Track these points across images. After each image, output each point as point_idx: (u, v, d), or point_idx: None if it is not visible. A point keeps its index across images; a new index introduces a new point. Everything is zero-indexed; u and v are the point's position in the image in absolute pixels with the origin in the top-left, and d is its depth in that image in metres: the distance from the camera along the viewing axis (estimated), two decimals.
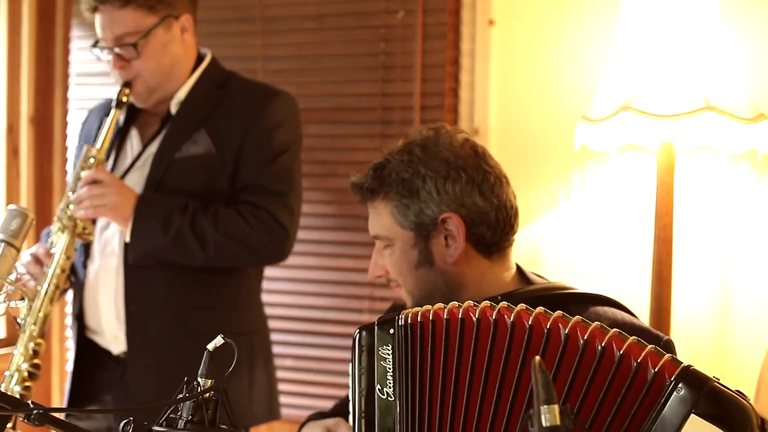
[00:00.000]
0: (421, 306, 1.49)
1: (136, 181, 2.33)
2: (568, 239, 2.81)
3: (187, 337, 2.30)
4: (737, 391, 1.28)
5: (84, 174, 2.28)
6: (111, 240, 2.34)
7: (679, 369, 1.25)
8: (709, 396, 1.24)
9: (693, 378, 1.25)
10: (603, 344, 1.29)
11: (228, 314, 2.40)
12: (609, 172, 2.76)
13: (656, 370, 1.26)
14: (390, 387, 1.43)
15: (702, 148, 2.61)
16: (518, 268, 1.73)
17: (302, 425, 1.78)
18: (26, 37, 3.31)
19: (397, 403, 1.42)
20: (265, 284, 3.10)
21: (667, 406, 1.24)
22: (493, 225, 1.64)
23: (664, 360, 1.27)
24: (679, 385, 1.24)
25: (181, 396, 1.13)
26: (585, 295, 1.65)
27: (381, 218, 1.68)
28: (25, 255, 2.26)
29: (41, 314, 2.22)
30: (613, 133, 2.49)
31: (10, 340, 3.26)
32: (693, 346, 2.64)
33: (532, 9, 2.84)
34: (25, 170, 3.31)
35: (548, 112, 2.82)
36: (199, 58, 2.43)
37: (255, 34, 3.13)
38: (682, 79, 2.38)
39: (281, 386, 2.66)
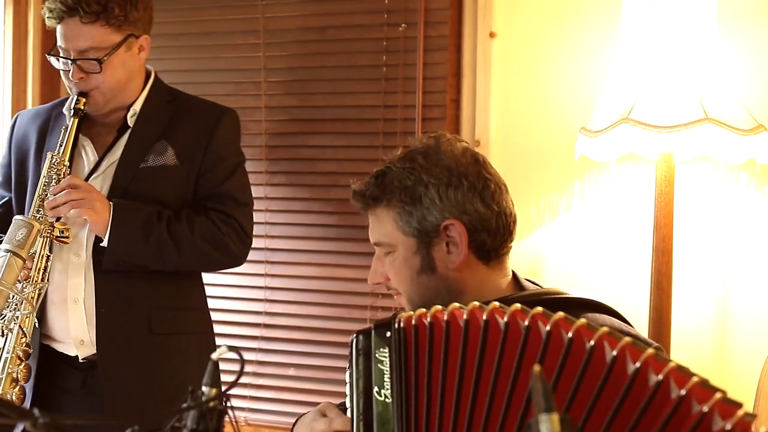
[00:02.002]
0: None
1: (99, 189, 2.39)
2: (569, 249, 2.82)
3: (152, 337, 2.40)
4: None
5: (53, 181, 2.33)
6: (75, 244, 2.38)
7: (714, 399, 1.19)
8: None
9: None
10: (615, 353, 1.26)
11: (185, 314, 2.50)
12: (609, 182, 2.77)
13: (684, 392, 1.20)
14: (387, 389, 1.44)
15: (701, 158, 2.62)
16: (513, 274, 1.74)
17: (294, 423, 1.77)
18: (32, 49, 3.34)
19: (395, 404, 1.43)
20: (267, 293, 3.13)
21: None
22: (493, 232, 1.66)
23: (692, 383, 1.21)
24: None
25: (185, 405, 1.15)
26: (578, 301, 1.66)
27: (383, 225, 1.69)
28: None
29: (27, 317, 2.28)
30: (613, 144, 2.51)
31: None
32: (693, 356, 2.65)
33: (532, 22, 2.86)
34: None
35: (548, 124, 2.84)
36: (147, 74, 2.51)
37: (258, 46, 3.15)
38: (681, 90, 2.40)
39: (283, 395, 2.68)
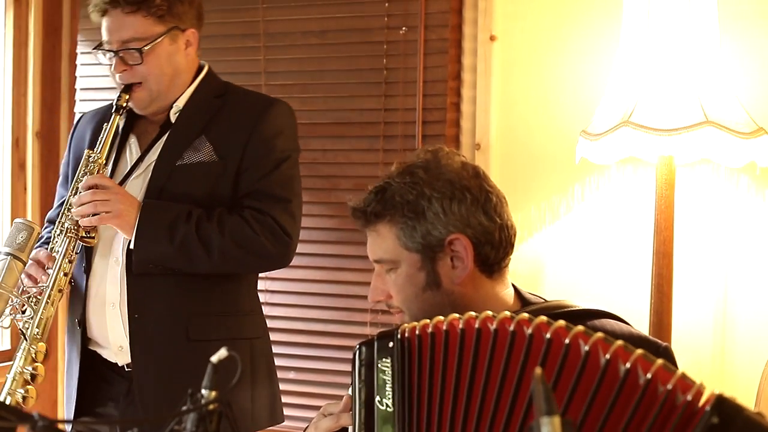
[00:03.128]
0: None
1: (137, 188, 2.34)
2: (569, 252, 2.82)
3: (189, 344, 2.31)
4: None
5: (86, 178, 2.28)
6: (113, 247, 2.33)
7: (714, 398, 1.21)
8: (745, 428, 1.21)
9: (728, 408, 1.21)
10: (627, 365, 1.25)
11: (229, 320, 2.40)
12: (609, 185, 2.78)
13: (689, 397, 1.22)
14: (389, 398, 1.44)
15: (701, 161, 2.63)
16: (514, 287, 1.74)
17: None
18: (33, 52, 3.34)
19: (396, 413, 1.43)
20: (268, 297, 3.13)
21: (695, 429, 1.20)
22: (496, 245, 1.64)
23: (696, 388, 1.23)
24: (713, 417, 1.20)
25: (184, 408, 1.15)
26: (582, 311, 1.65)
27: (384, 241, 1.66)
28: (29, 311, 2.25)
29: (43, 317, 2.24)
30: (614, 147, 2.51)
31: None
32: (693, 359, 2.65)
33: (533, 25, 2.87)
34: (31, 184, 3.33)
35: (549, 127, 2.84)
36: (198, 70, 2.45)
37: (258, 49, 3.15)
38: (682, 93, 2.40)
39: (284, 398, 2.67)
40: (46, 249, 2.29)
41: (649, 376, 1.24)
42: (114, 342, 2.34)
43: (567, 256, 2.82)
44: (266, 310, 2.69)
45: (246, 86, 3.10)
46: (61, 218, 2.30)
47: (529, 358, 1.34)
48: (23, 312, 2.27)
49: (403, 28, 2.98)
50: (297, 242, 2.39)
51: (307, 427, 1.69)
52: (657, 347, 1.60)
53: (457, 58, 2.94)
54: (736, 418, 1.20)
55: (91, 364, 2.38)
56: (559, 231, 2.83)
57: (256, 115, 2.36)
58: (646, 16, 2.46)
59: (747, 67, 2.62)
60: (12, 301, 2.24)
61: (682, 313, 2.62)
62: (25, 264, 2.26)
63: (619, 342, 1.29)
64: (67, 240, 2.26)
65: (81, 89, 3.37)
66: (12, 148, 3.32)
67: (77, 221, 2.26)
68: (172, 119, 2.37)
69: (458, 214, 1.62)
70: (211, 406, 1.13)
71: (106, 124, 2.34)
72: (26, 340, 2.23)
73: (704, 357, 2.67)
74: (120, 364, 2.36)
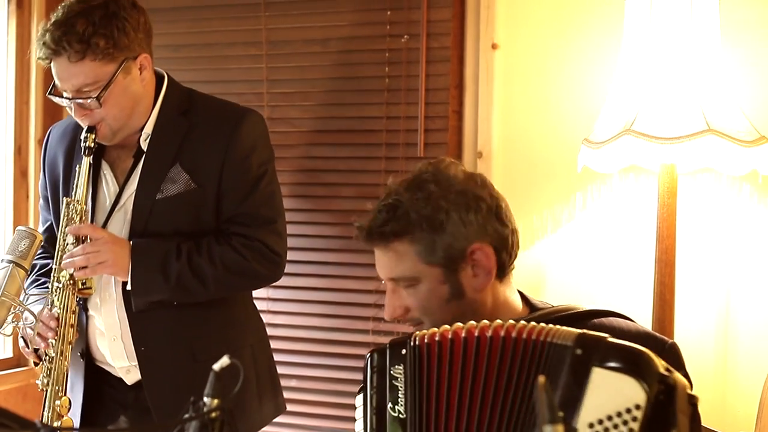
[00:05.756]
0: None
1: (120, 224, 2.34)
2: (571, 261, 2.82)
3: (197, 365, 2.32)
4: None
5: (71, 228, 2.28)
6: (110, 289, 2.35)
7: (576, 335, 1.38)
8: (607, 351, 1.34)
9: (589, 339, 1.37)
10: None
11: (231, 333, 2.43)
12: (611, 194, 2.78)
13: (561, 341, 1.39)
14: (402, 405, 1.46)
15: (703, 170, 2.63)
16: (520, 293, 1.75)
17: None
18: (35, 59, 3.34)
19: (409, 420, 1.45)
20: (270, 305, 3.13)
21: (570, 368, 1.35)
22: (510, 249, 1.66)
23: (566, 333, 1.40)
24: (577, 349, 1.36)
25: (186, 416, 1.15)
26: (587, 312, 1.67)
27: (402, 260, 1.64)
28: (30, 317, 2.27)
29: (61, 373, 2.26)
30: (615, 156, 2.51)
31: (18, 361, 3.28)
32: (695, 368, 2.64)
33: (535, 33, 2.87)
34: (33, 192, 3.33)
35: (551, 135, 2.84)
36: (158, 79, 2.39)
37: (260, 57, 3.16)
38: (684, 102, 2.40)
39: (286, 406, 2.68)
40: (47, 307, 2.29)
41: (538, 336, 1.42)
42: (120, 367, 2.38)
43: (569, 265, 2.82)
44: (268, 318, 2.70)
45: (248, 94, 3.14)
46: (54, 272, 2.29)
47: (525, 362, 1.41)
48: (26, 319, 2.27)
49: (405, 37, 2.98)
50: (286, 256, 2.41)
51: None
52: (663, 343, 1.61)
53: (459, 67, 2.94)
54: (597, 346, 1.36)
55: (94, 372, 2.40)
56: (561, 239, 2.82)
57: (227, 133, 2.32)
58: (647, 24, 2.46)
59: (749, 75, 2.62)
60: (15, 308, 2.24)
61: (684, 322, 2.61)
62: (27, 271, 2.26)
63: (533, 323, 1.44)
64: (66, 294, 2.27)
65: None
66: (14, 156, 3.33)
67: (71, 274, 2.26)
68: (143, 146, 2.34)
69: (476, 224, 1.62)
70: (213, 414, 1.13)
71: (78, 165, 2.30)
72: (48, 398, 2.26)
73: (706, 365, 2.67)
74: (128, 382, 2.39)
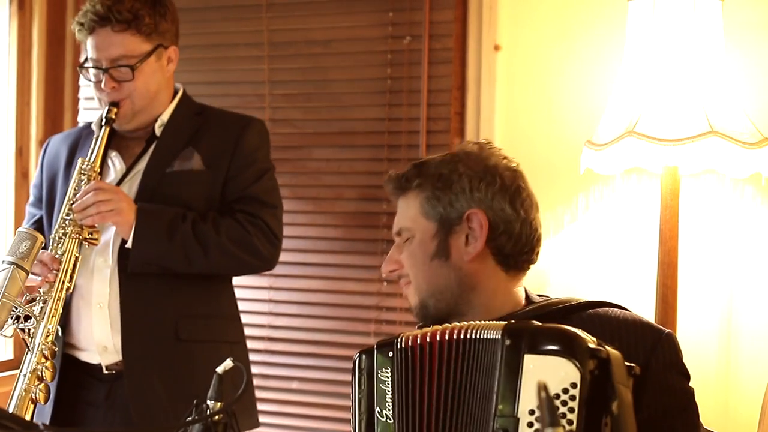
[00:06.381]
0: (426, 305, 1.60)
1: (126, 192, 2.38)
2: (573, 263, 2.81)
3: (179, 344, 2.37)
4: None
5: (83, 184, 2.33)
6: (105, 249, 2.37)
7: (503, 327, 1.40)
8: (535, 337, 1.37)
9: (515, 329, 1.40)
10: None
11: (215, 322, 2.47)
12: (614, 195, 2.77)
13: (493, 335, 1.41)
14: (389, 410, 1.45)
15: (706, 172, 2.62)
16: (525, 290, 1.74)
17: None
18: (36, 61, 3.34)
19: (397, 425, 1.44)
20: (272, 306, 3.13)
21: (504, 360, 1.38)
22: (515, 236, 1.65)
23: (497, 326, 1.42)
24: (506, 340, 1.38)
25: (189, 419, 1.14)
26: (583, 304, 1.67)
27: (408, 209, 1.69)
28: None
29: (53, 313, 2.25)
30: (618, 157, 2.51)
31: (18, 362, 3.27)
32: (697, 371, 2.63)
33: (537, 35, 2.87)
34: None
35: (553, 137, 2.84)
36: (174, 91, 2.52)
37: (262, 58, 3.15)
38: (687, 103, 2.40)
39: (287, 409, 2.68)
40: (48, 251, 2.31)
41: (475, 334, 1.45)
42: (99, 342, 2.37)
43: (571, 267, 2.81)
44: (269, 320, 2.69)
45: (250, 95, 3.14)
46: (60, 222, 2.33)
47: (464, 362, 1.45)
48: (28, 318, 2.27)
49: (408, 38, 2.98)
50: (281, 246, 2.48)
51: None
52: (660, 333, 1.60)
53: (462, 68, 2.94)
54: (524, 333, 1.38)
55: (66, 369, 2.39)
56: (564, 241, 2.82)
57: (238, 130, 2.46)
58: (650, 25, 2.46)
59: (752, 77, 2.62)
60: (15, 310, 2.24)
61: (687, 324, 2.61)
62: (27, 273, 2.26)
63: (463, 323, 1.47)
64: (71, 241, 2.30)
65: (84, 98, 3.37)
66: (15, 157, 3.32)
67: (79, 224, 2.30)
68: (157, 132, 2.44)
69: (483, 194, 1.64)
70: (216, 417, 1.13)
71: (96, 132, 2.39)
72: (32, 354, 2.23)
73: (709, 367, 2.66)
74: (104, 365, 2.38)
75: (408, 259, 1.68)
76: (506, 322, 1.42)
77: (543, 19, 2.86)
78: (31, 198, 2.58)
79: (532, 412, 1.33)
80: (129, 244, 2.32)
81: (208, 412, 1.12)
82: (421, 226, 1.67)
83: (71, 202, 2.32)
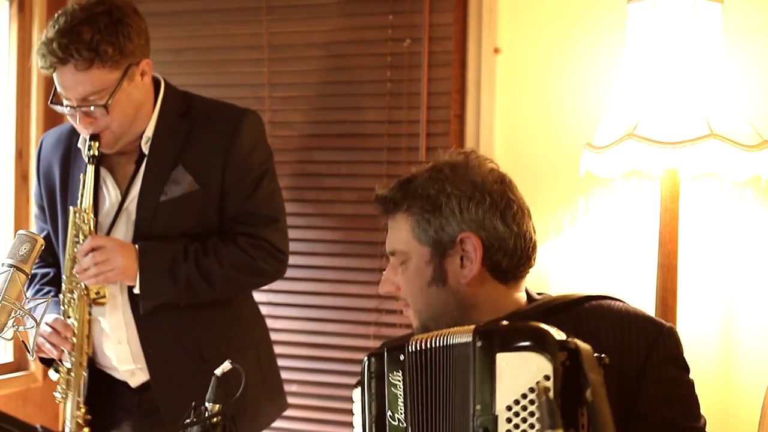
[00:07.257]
0: (428, 327, 1.57)
1: (124, 228, 2.34)
2: (573, 265, 2.81)
3: (204, 363, 2.30)
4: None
5: (80, 236, 2.30)
6: (115, 293, 2.36)
7: (473, 329, 1.42)
8: (505, 335, 1.39)
9: (484, 330, 1.42)
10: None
11: (236, 331, 2.45)
12: (614, 198, 2.77)
13: (458, 341, 1.44)
14: (401, 413, 1.45)
15: (706, 174, 2.62)
16: (526, 290, 1.74)
17: None
18: (36, 63, 3.34)
19: (410, 429, 1.44)
20: (271, 309, 3.12)
21: (477, 361, 1.39)
22: (510, 252, 1.64)
23: (467, 329, 1.44)
24: (477, 342, 1.40)
25: (188, 421, 1.14)
26: (582, 298, 1.67)
27: (400, 232, 1.67)
28: (44, 327, 2.27)
29: (79, 384, 2.29)
30: (618, 160, 2.51)
31: (18, 365, 3.28)
32: (697, 373, 2.62)
33: (537, 37, 2.87)
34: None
35: (553, 139, 2.84)
36: (155, 84, 2.38)
37: (262, 61, 3.15)
38: (686, 106, 2.40)
39: (286, 411, 2.67)
40: (58, 316, 2.31)
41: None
42: (124, 370, 2.39)
43: (571, 270, 2.81)
44: (269, 323, 2.69)
45: (249, 98, 3.14)
46: (67, 284, 2.32)
47: (441, 368, 1.46)
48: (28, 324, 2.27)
49: (407, 41, 2.98)
50: (288, 253, 2.45)
51: None
52: (661, 326, 1.61)
53: (461, 71, 2.94)
54: (494, 333, 1.40)
55: (99, 380, 2.41)
56: (563, 244, 2.82)
57: (227, 134, 2.34)
58: (650, 28, 2.46)
59: (752, 80, 2.62)
60: (15, 312, 2.24)
61: (687, 327, 2.61)
62: (27, 275, 2.26)
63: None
64: (81, 304, 2.30)
65: None
66: (15, 160, 3.32)
67: (84, 286, 2.29)
68: (144, 150, 2.34)
69: (474, 215, 1.63)
70: (214, 419, 1.13)
71: (82, 174, 2.30)
72: (69, 408, 2.29)
73: (709, 370, 2.66)
74: (132, 385, 2.40)
75: (406, 286, 1.68)
76: (475, 325, 1.44)
77: (543, 22, 2.86)
78: (36, 209, 2.54)
79: (509, 408, 1.35)
80: (136, 290, 2.31)
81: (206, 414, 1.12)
82: (415, 250, 1.65)
83: (72, 259, 2.30)
